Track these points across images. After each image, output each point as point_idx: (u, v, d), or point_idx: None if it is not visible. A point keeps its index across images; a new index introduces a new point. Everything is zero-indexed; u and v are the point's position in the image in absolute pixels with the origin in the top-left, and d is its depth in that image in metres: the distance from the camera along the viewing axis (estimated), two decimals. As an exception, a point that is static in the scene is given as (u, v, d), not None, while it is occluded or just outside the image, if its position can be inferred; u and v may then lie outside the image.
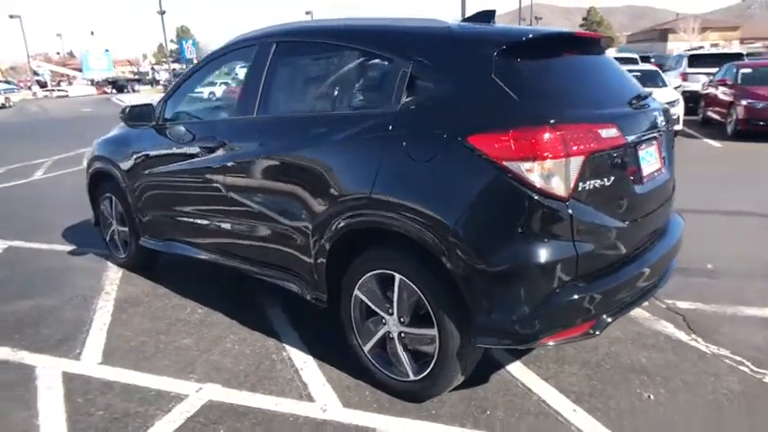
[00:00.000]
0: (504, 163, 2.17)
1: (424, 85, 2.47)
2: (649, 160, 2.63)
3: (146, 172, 3.97)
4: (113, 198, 4.47)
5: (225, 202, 3.34)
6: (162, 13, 37.10)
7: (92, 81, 62.95)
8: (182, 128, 3.70)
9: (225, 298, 3.96)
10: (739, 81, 11.14)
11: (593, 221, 2.29)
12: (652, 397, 2.66)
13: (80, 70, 73.73)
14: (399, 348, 2.63)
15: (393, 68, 2.58)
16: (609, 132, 2.33)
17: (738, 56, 16.32)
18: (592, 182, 2.26)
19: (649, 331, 3.29)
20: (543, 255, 2.18)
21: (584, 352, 3.07)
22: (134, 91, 51.19)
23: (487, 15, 2.90)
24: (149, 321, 3.66)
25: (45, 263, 4.87)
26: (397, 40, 2.64)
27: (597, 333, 2.34)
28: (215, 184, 3.37)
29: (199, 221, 3.64)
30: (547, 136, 2.14)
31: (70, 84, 68.90)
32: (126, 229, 4.42)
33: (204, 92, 5.27)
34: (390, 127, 2.49)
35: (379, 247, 2.65)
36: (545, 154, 2.14)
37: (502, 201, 2.21)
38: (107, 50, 72.36)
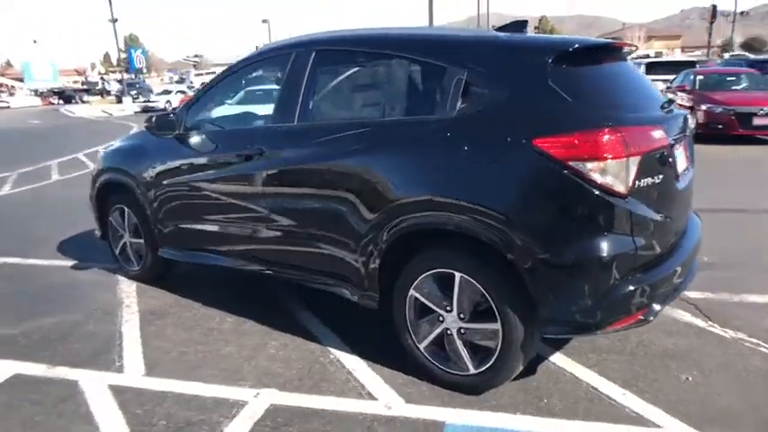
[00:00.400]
0: (570, 163, 2.32)
1: (481, 92, 2.61)
2: (681, 159, 2.86)
3: (168, 182, 3.94)
4: (126, 209, 4.40)
5: (264, 209, 3.37)
6: (114, 21, 36.01)
7: (35, 91, 60.35)
8: (209, 136, 3.72)
9: (250, 305, 3.96)
10: (697, 87, 11.87)
11: (645, 216, 2.47)
12: (690, 378, 2.87)
13: (21, 80, 70.53)
14: (459, 344, 2.74)
15: (446, 76, 2.70)
16: (658, 134, 2.53)
17: (692, 63, 17.34)
18: (645, 180, 2.45)
19: (670, 320, 3.52)
20: (606, 248, 2.35)
21: (616, 341, 3.26)
22: (83, 102, 49.35)
23: (521, 25, 3.07)
24: (183, 332, 3.63)
25: (50, 278, 4.73)
26: (451, 50, 2.77)
27: (651, 319, 2.52)
28: (252, 192, 3.40)
29: (231, 230, 3.65)
30: (610, 138, 2.32)
31: (11, 94, 65.76)
32: (141, 240, 4.36)
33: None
34: (449, 133, 2.61)
35: (437, 248, 2.76)
36: (607, 154, 2.31)
37: (567, 198, 2.37)
38: (52, 60, 69.60)
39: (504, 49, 2.68)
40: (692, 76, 12.30)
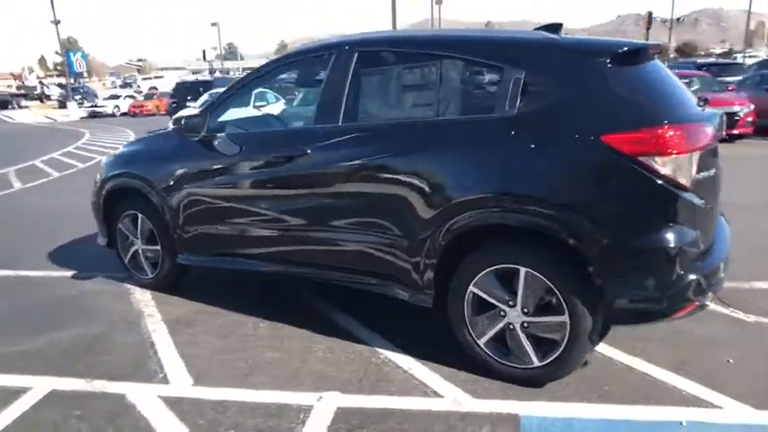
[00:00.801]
0: (639, 158, 2.43)
1: (541, 92, 2.68)
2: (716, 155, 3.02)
3: (192, 185, 3.82)
4: (140, 216, 4.23)
5: (309, 210, 3.33)
6: (57, 22, 34.31)
7: (-33, 96, 56.78)
8: (241, 138, 3.65)
9: (278, 309, 3.89)
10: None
11: (702, 208, 2.61)
12: (731, 360, 3.04)
13: (-50, 85, 66.32)
14: (522, 338, 2.80)
15: (504, 76, 2.76)
16: (709, 130, 2.67)
17: None
18: (701, 174, 2.58)
19: (693, 308, 3.70)
20: (674, 239, 2.46)
21: (652, 331, 3.39)
22: (21, 107, 46.78)
23: (556, 28, 3.18)
24: (217, 340, 3.53)
25: (53, 290, 4.49)
26: (508, 51, 2.84)
27: (707, 305, 2.66)
28: (295, 193, 3.35)
29: (266, 233, 3.58)
30: (675, 134, 2.43)
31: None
32: (157, 247, 4.21)
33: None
34: (513, 131, 2.67)
35: (500, 244, 2.81)
36: (673, 149, 2.43)
37: (637, 192, 2.47)
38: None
39: (564, 50, 2.76)
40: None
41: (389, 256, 3.11)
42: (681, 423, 2.53)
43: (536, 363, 2.80)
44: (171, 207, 3.96)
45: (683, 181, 2.47)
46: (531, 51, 2.80)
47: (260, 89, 5.73)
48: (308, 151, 3.26)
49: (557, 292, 2.66)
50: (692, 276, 2.53)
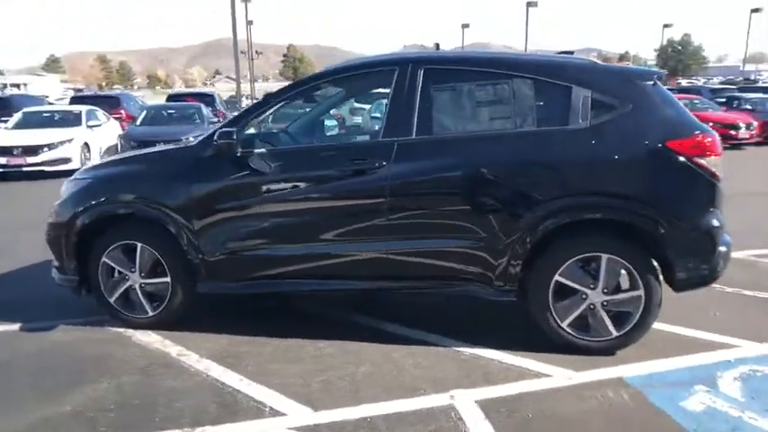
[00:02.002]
0: (695, 158, 3.12)
1: (607, 107, 3.24)
2: None
3: (229, 205, 3.54)
4: (140, 245, 3.73)
5: (385, 222, 3.37)
6: None
7: None
8: (291, 153, 3.55)
9: (318, 327, 3.82)
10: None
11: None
12: (718, 314, 3.94)
13: None
14: (603, 314, 3.30)
15: (573, 94, 3.26)
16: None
17: (383, 95, 20.19)
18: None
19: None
20: (717, 220, 3.21)
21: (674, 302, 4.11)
22: None
23: (570, 53, 3.81)
24: (292, 365, 3.34)
25: (34, 344, 3.67)
26: (574, 73, 3.33)
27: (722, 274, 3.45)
28: (368, 207, 3.38)
29: (331, 249, 3.50)
30: (714, 140, 3.19)
31: None
32: (164, 279, 3.74)
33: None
34: (593, 140, 3.18)
35: (585, 236, 3.27)
36: (714, 152, 3.18)
37: (692, 184, 3.16)
38: None
39: (616, 73, 3.37)
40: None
41: (474, 260, 3.36)
42: (730, 361, 3.28)
43: (615, 334, 3.32)
44: (194, 231, 3.59)
45: (720, 175, 3.23)
46: (593, 73, 3.36)
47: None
48: (385, 164, 3.34)
49: (633, 271, 3.22)
50: (724, 248, 3.29)
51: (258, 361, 3.41)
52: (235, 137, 3.42)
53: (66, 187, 4.02)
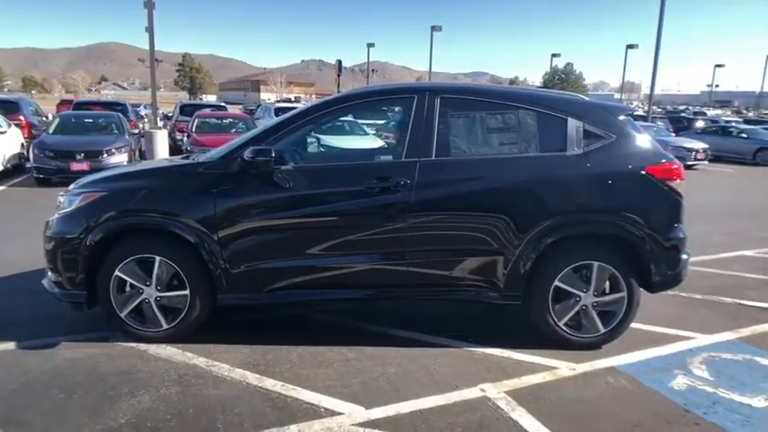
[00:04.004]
0: (667, 182, 3.80)
1: (596, 136, 3.83)
2: None
3: (255, 219, 3.68)
4: (158, 259, 3.73)
5: (407, 235, 3.69)
6: None
7: None
8: (317, 170, 3.76)
9: (331, 334, 4.03)
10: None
11: None
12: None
13: None
14: (594, 314, 3.86)
15: (569, 124, 3.83)
16: None
17: None
18: None
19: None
20: (684, 232, 3.90)
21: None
22: None
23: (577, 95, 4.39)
24: (324, 370, 3.53)
25: (47, 363, 3.49)
26: (569, 106, 3.89)
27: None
28: (393, 220, 3.68)
29: (353, 260, 3.75)
30: (680, 167, 3.89)
31: None
32: (182, 292, 3.77)
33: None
34: (588, 164, 3.75)
35: (579, 247, 3.81)
36: (679, 176, 3.87)
37: (667, 203, 3.82)
38: None
39: (602, 108, 3.98)
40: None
41: (486, 269, 3.78)
42: (691, 349, 3.97)
43: (602, 330, 3.88)
44: (218, 244, 3.68)
45: (682, 195, 3.92)
46: (584, 107, 3.94)
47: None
48: (408, 181, 3.68)
49: (619, 276, 3.81)
50: (686, 257, 3.99)
51: (289, 367, 3.56)
52: (273, 154, 3.58)
53: (68, 200, 3.91)
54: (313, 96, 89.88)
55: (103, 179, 4.04)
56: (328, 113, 3.96)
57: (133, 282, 3.78)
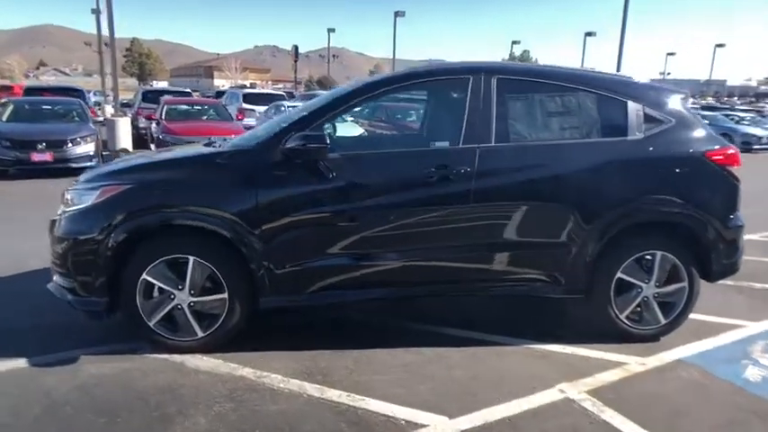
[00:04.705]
0: (726, 167, 3.67)
1: (656, 121, 3.66)
2: None
3: (300, 213, 3.34)
4: (192, 259, 3.34)
5: (466, 227, 3.43)
6: None
7: None
8: (368, 158, 3.44)
9: (377, 335, 3.75)
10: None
11: None
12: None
13: None
14: (655, 305, 3.71)
15: (630, 108, 3.64)
16: None
17: (281, 97, 20.37)
18: None
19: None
20: (742, 218, 3.79)
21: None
22: None
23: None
24: (384, 376, 3.25)
25: (63, 384, 3.04)
26: (629, 89, 3.70)
27: None
28: (453, 212, 3.41)
29: (408, 255, 3.46)
30: (737, 152, 3.77)
31: None
32: (221, 296, 3.39)
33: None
34: (650, 149, 3.58)
35: (644, 236, 3.64)
36: (737, 162, 3.75)
37: (728, 189, 3.69)
38: None
39: (660, 90, 3.80)
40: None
41: (547, 261, 3.57)
42: (747, 338, 3.90)
43: (663, 322, 3.75)
44: (262, 242, 3.32)
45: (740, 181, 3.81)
46: (642, 90, 3.75)
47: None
48: (469, 169, 3.41)
49: (680, 265, 3.67)
50: (742, 244, 3.88)
51: (347, 375, 3.26)
52: (328, 141, 3.23)
53: (79, 195, 3.45)
54: (269, 83, 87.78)
55: (125, 170, 3.58)
56: (376, 95, 3.61)
57: (163, 286, 3.37)
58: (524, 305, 4.39)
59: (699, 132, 3.74)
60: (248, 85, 60.73)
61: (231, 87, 38.99)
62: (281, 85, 79.37)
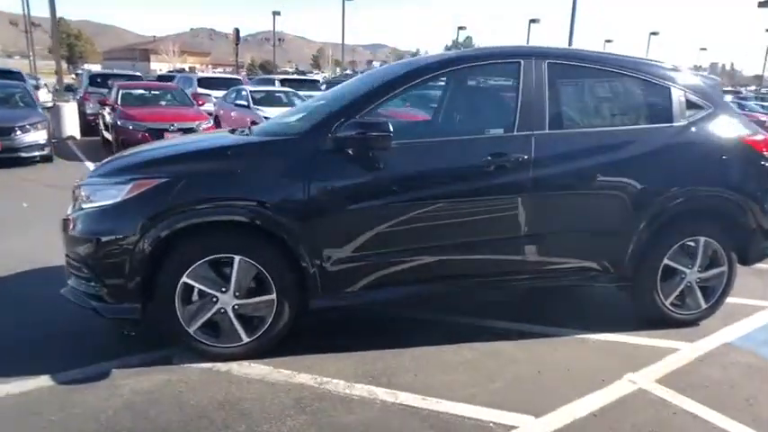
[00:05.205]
0: (764, 152, 3.73)
1: (696, 107, 3.67)
2: None
3: (354, 205, 3.11)
4: (238, 258, 3.06)
5: (524, 217, 3.32)
6: None
7: None
8: (422, 147, 3.25)
9: (425, 331, 3.60)
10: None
11: None
12: None
13: None
14: (697, 290, 3.75)
15: (672, 94, 3.62)
16: None
17: (238, 81, 19.41)
18: None
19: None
20: None
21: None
22: None
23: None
24: (447, 375, 3.10)
25: (108, 403, 2.70)
26: (669, 75, 3.67)
27: None
28: (509, 202, 3.29)
29: (464, 249, 3.32)
30: (768, 137, 3.85)
31: None
32: (268, 296, 3.13)
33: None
34: (694, 135, 3.58)
35: (688, 222, 3.64)
36: (772, 147, 3.82)
37: (763, 174, 3.74)
38: None
39: (698, 76, 3.81)
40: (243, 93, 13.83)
41: (600, 251, 3.53)
42: (777, 317, 4.02)
43: (704, 307, 3.79)
44: (315, 237, 3.08)
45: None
46: (683, 75, 3.73)
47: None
48: (526, 157, 3.29)
49: (721, 250, 3.72)
50: None
51: (413, 376, 3.09)
52: (390, 128, 3.01)
53: (102, 191, 3.09)
54: (209, 67, 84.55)
55: (157, 161, 3.22)
56: (427, 79, 3.40)
57: (204, 288, 3.07)
58: (554, 294, 4.34)
59: (735, 118, 3.78)
60: (187, 69, 58.25)
61: (186, 72, 37.18)
62: (220, 69, 76.57)
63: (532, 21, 42.80)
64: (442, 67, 3.47)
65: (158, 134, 10.77)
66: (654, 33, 56.76)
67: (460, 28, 53.24)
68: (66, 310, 3.33)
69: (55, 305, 3.43)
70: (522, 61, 3.42)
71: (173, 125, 11.00)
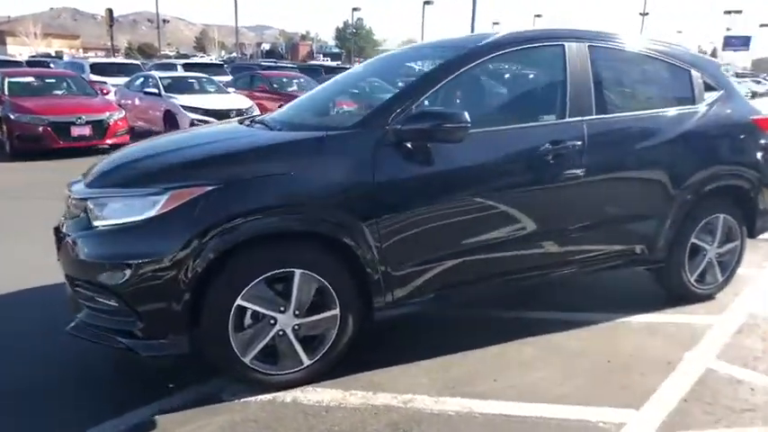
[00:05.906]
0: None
1: (712, 88, 3.81)
2: None
3: (420, 204, 2.84)
4: (298, 273, 2.66)
5: (578, 207, 3.26)
6: None
7: None
8: (483, 137, 3.03)
9: (481, 329, 3.42)
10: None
11: None
12: None
13: None
14: (716, 265, 3.93)
15: (692, 77, 3.72)
16: None
17: (137, 67, 18.44)
18: None
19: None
20: None
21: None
22: None
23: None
24: (530, 374, 2.96)
25: None
26: (689, 59, 3.75)
27: None
28: (565, 191, 3.20)
29: (525, 243, 3.18)
30: (768, 116, 4.09)
31: None
32: (332, 312, 2.78)
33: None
34: (714, 117, 3.71)
35: (712, 200, 3.76)
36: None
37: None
38: None
39: (710, 60, 3.94)
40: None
41: (641, 235, 3.56)
42: (772, 285, 4.33)
43: (720, 280, 3.98)
44: (380, 241, 2.77)
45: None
46: (698, 58, 3.85)
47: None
48: (579, 144, 3.20)
49: (736, 226, 3.91)
50: None
51: (492, 382, 2.90)
52: (467, 118, 2.74)
53: (125, 203, 2.55)
54: (80, 51, 76.75)
55: (196, 165, 2.68)
56: (475, 66, 3.16)
57: (261, 310, 2.65)
58: (568, 281, 4.32)
59: (743, 100, 3.97)
60: (54, 54, 52.27)
61: (30, 57, 33.40)
62: (92, 53, 69.66)
63: (426, 2, 43.56)
64: (490, 52, 3.24)
65: (63, 128, 9.69)
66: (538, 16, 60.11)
67: (355, 9, 52.79)
68: (71, 346, 2.75)
69: (57, 342, 2.82)
70: (564, 44, 3.31)
71: (80, 118, 9.86)
